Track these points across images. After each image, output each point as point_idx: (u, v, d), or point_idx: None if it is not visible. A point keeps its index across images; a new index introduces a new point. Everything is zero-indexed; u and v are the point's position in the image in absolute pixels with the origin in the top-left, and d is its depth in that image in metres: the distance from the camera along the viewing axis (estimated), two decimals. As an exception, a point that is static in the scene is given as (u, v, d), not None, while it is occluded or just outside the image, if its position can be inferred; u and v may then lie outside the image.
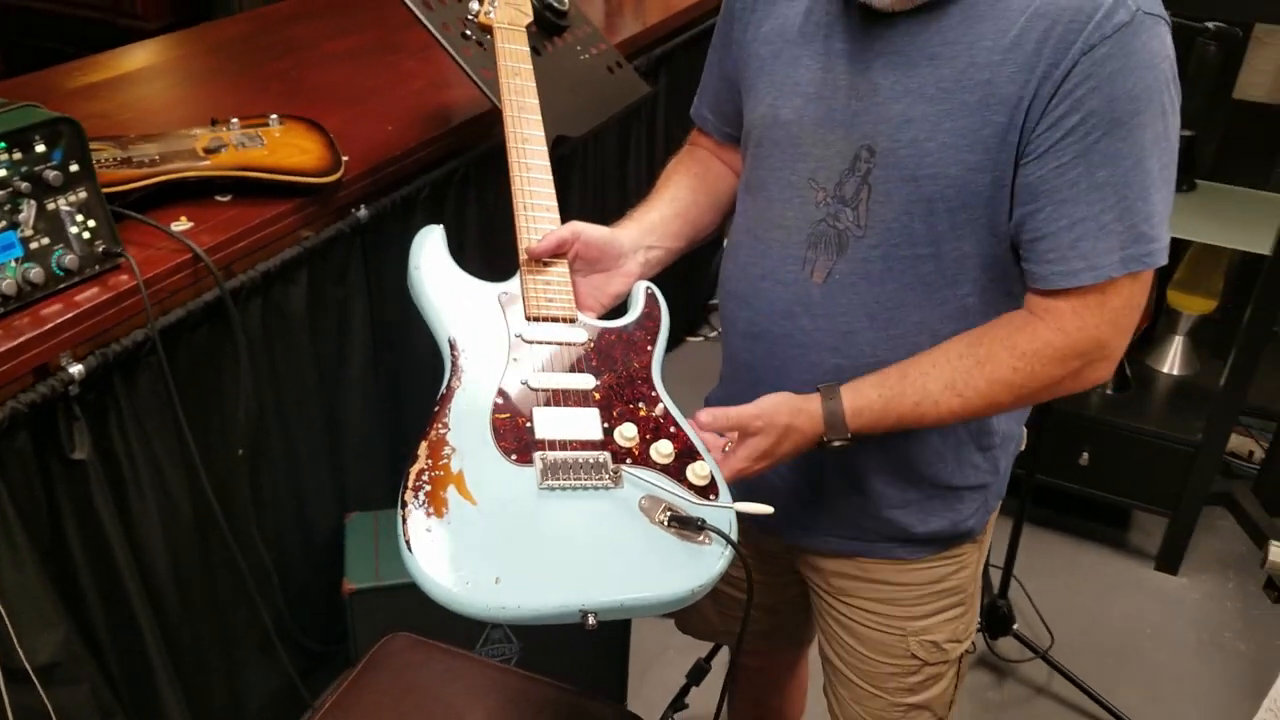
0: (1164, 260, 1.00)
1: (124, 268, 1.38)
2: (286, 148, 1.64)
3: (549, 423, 1.00)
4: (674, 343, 1.16)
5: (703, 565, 0.93)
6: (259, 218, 1.55)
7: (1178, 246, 2.21)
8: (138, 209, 1.48)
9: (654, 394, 1.08)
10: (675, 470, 1.00)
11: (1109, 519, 2.65)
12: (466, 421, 0.98)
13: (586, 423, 1.02)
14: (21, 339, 1.25)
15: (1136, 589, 2.47)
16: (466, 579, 0.86)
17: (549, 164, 1.22)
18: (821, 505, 1.23)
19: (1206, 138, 2.53)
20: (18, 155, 1.26)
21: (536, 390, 1.03)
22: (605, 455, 0.99)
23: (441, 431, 0.97)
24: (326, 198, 1.66)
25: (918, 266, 1.06)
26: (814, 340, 1.13)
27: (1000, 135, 0.98)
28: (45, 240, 1.31)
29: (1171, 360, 2.66)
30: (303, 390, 1.75)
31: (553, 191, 1.19)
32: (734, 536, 0.96)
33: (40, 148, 1.28)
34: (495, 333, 1.08)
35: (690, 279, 3.23)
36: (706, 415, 1.06)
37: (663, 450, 1.01)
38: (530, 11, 1.50)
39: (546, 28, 1.82)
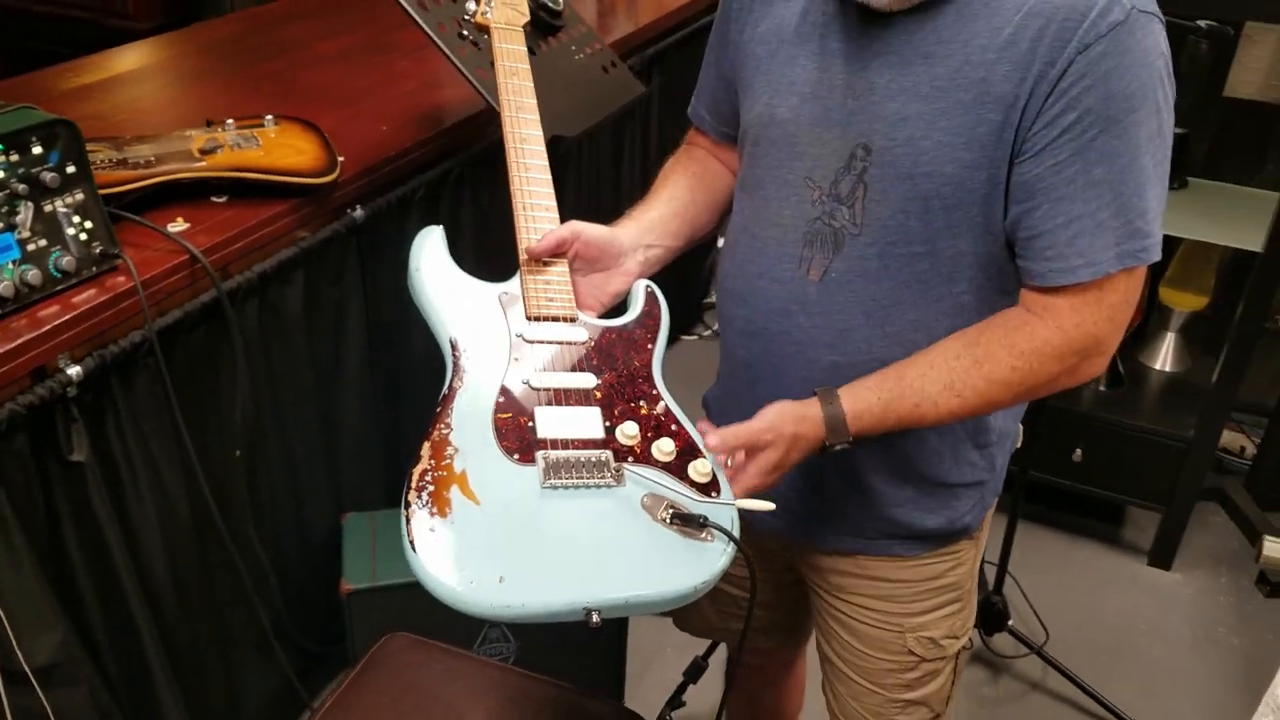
0: (1159, 256, 1.01)
1: (121, 269, 1.38)
2: (282, 148, 1.64)
3: (551, 422, 1.00)
4: (669, 341, 1.17)
5: (705, 562, 0.93)
6: (255, 218, 1.55)
7: (1169, 244, 2.22)
8: (134, 210, 1.48)
9: (655, 392, 1.08)
10: (677, 468, 1.00)
11: (1102, 515, 2.66)
12: (469, 421, 0.99)
13: (588, 421, 1.02)
14: (19, 341, 1.25)
15: (1130, 585, 2.48)
16: (471, 578, 0.86)
17: (548, 164, 1.22)
18: (821, 504, 1.23)
19: (1198, 135, 2.55)
20: (15, 157, 1.26)
21: (538, 390, 1.04)
22: (607, 454, 0.99)
23: (444, 432, 0.97)
24: (322, 198, 1.66)
25: (913, 264, 1.07)
26: (811, 338, 1.13)
27: (996, 133, 0.99)
28: (42, 242, 1.31)
29: (1164, 357, 2.67)
30: (299, 391, 1.75)
31: (552, 191, 1.19)
32: (736, 533, 0.96)
33: (37, 149, 1.28)
34: (496, 333, 1.09)
35: (685, 278, 3.23)
36: (715, 439, 1.04)
37: (664, 448, 1.01)
38: (527, 11, 1.50)
39: (541, 28, 1.82)
